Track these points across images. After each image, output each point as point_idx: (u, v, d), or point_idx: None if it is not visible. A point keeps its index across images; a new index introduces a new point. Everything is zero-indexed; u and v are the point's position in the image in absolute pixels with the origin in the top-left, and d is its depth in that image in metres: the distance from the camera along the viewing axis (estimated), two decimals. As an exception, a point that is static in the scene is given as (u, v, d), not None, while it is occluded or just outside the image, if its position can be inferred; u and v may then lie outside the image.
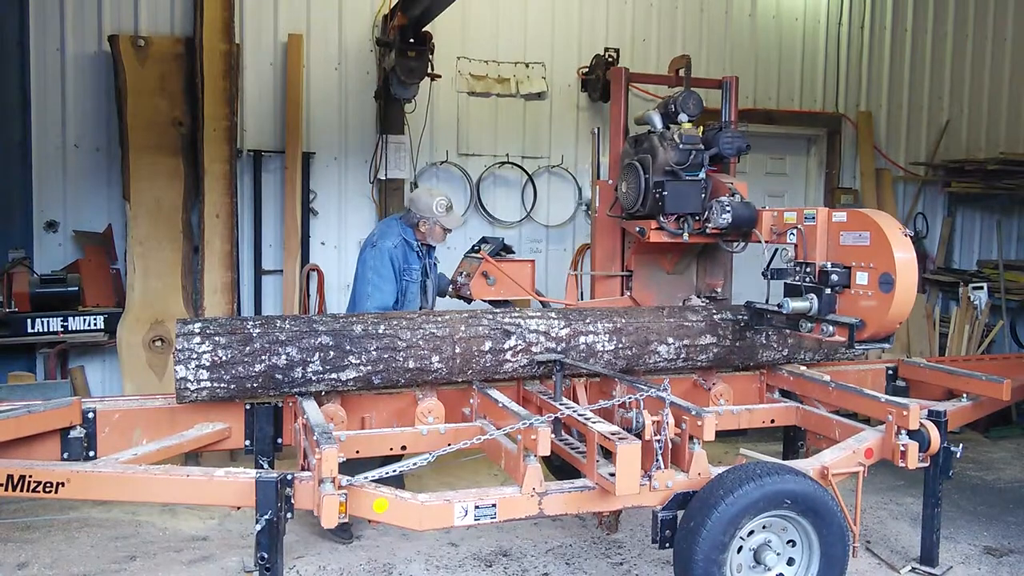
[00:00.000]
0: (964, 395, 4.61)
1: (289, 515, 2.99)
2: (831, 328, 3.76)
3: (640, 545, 4.47)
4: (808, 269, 3.87)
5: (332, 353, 3.58)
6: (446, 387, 3.96)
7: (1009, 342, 8.14)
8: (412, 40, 5.81)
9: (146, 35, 6.07)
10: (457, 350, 3.79)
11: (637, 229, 4.84)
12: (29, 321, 5.51)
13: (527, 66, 7.10)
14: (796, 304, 3.84)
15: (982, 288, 7.53)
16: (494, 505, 3.10)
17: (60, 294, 5.61)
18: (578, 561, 4.31)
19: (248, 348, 3.47)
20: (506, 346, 3.87)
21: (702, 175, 4.63)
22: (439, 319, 3.85)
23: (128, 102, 5.89)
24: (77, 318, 5.63)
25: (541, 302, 5.28)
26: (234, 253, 6.04)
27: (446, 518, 3.07)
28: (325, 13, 6.58)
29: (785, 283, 4.01)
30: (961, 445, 4.00)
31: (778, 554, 3.33)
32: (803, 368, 4.57)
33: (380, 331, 3.69)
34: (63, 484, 3.00)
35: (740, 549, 3.26)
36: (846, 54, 8.13)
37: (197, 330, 3.46)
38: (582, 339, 4.01)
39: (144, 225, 5.91)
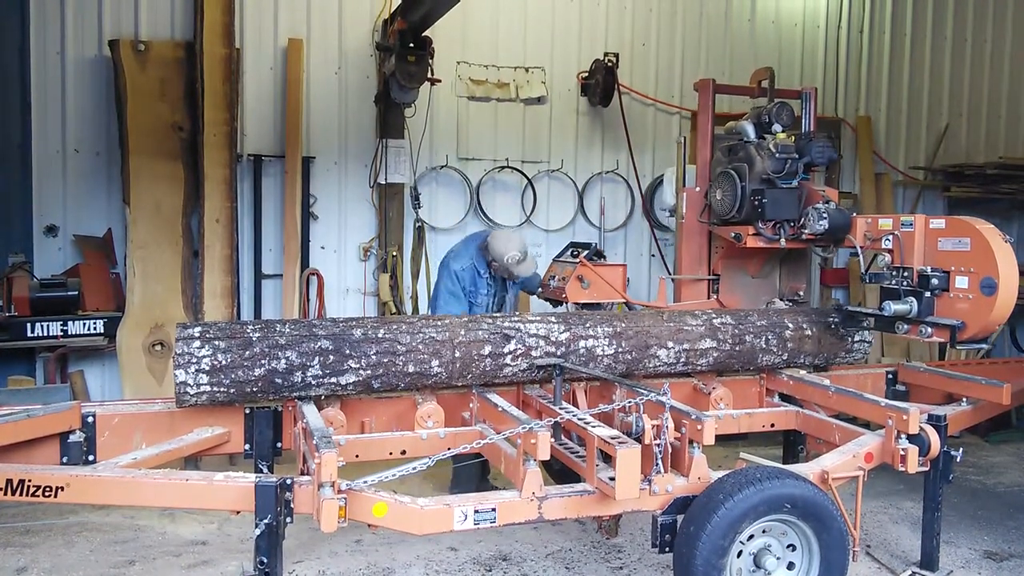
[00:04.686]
0: (964, 399, 4.60)
1: (288, 520, 2.99)
2: (929, 329, 3.99)
3: (640, 549, 4.46)
4: (906, 273, 4.08)
5: (332, 357, 3.58)
6: (446, 391, 3.96)
7: (1009, 346, 8.15)
8: (412, 45, 5.82)
9: (146, 39, 6.08)
10: (457, 354, 3.78)
11: (732, 235, 5.03)
12: (29, 325, 5.51)
13: (527, 71, 7.10)
14: (897, 307, 4.06)
15: (982, 292, 7.53)
16: (494, 509, 3.10)
17: (60, 298, 5.62)
18: (578, 566, 4.31)
19: (248, 352, 3.47)
20: (506, 350, 3.87)
21: (795, 183, 4.85)
22: (439, 323, 3.85)
23: (128, 106, 5.90)
24: (77, 322, 5.63)
25: (631, 305, 5.38)
26: (234, 257, 6.04)
27: (445, 522, 3.06)
28: (325, 18, 6.59)
29: (881, 287, 4.22)
30: (961, 449, 4.00)
31: (778, 558, 3.33)
32: (803, 372, 4.57)
33: (380, 335, 3.69)
34: (62, 488, 3.00)
35: (740, 553, 3.25)
36: (845, 59, 8.14)
37: (197, 334, 3.46)
38: (582, 343, 4.01)
39: (144, 229, 5.91)
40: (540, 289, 5.43)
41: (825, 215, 4.52)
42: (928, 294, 3.99)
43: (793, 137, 5.01)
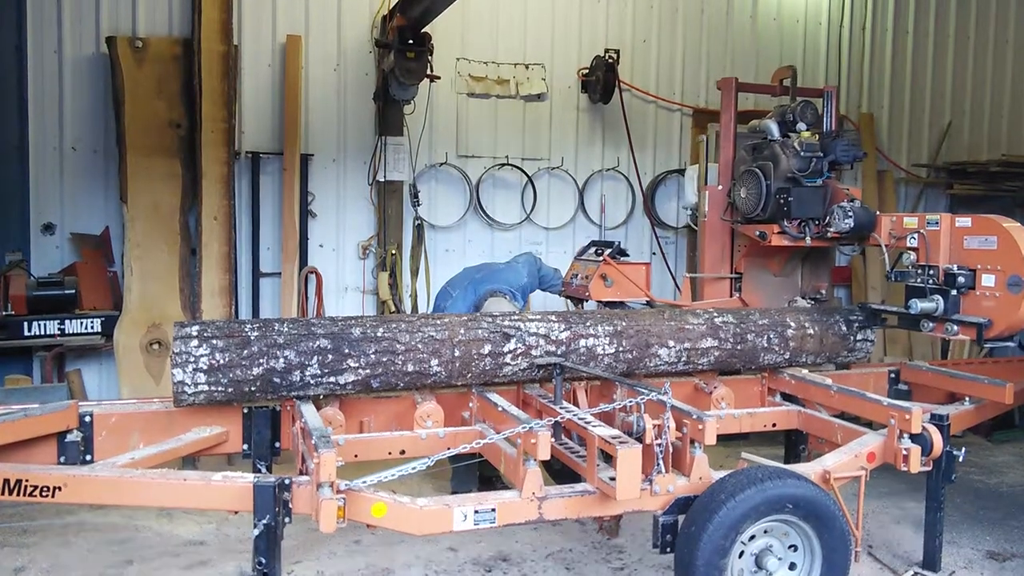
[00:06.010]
0: (966, 399, 4.58)
1: (287, 520, 2.97)
2: (955, 327, 4.02)
3: (641, 550, 4.44)
4: (931, 272, 4.12)
5: (330, 356, 3.56)
6: (445, 391, 3.93)
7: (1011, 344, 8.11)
8: (411, 41, 5.79)
9: (144, 37, 6.06)
10: (456, 353, 3.76)
11: (757, 233, 5.05)
12: (26, 324, 5.49)
13: (527, 67, 7.08)
14: (923, 305, 4.10)
15: (984, 290, 7.51)
16: (493, 510, 3.08)
17: (57, 297, 5.60)
18: (578, 566, 4.29)
19: (246, 351, 3.45)
20: (506, 349, 3.84)
21: (820, 181, 4.89)
22: (438, 322, 3.83)
23: (126, 104, 5.88)
24: (74, 321, 5.61)
25: (652, 304, 5.37)
26: (232, 256, 6.02)
27: (445, 523, 3.04)
28: (324, 14, 6.56)
29: (907, 285, 4.25)
30: (963, 449, 3.98)
31: (780, 559, 3.30)
32: (805, 371, 4.54)
33: (379, 334, 3.66)
34: (60, 488, 2.98)
35: (742, 554, 3.23)
36: (847, 56, 8.12)
37: (194, 333, 3.44)
38: (582, 342, 3.99)
39: (141, 228, 5.89)
40: (563, 288, 5.41)
41: (851, 213, 4.56)
42: (954, 292, 4.03)
43: (817, 135, 5.03)
